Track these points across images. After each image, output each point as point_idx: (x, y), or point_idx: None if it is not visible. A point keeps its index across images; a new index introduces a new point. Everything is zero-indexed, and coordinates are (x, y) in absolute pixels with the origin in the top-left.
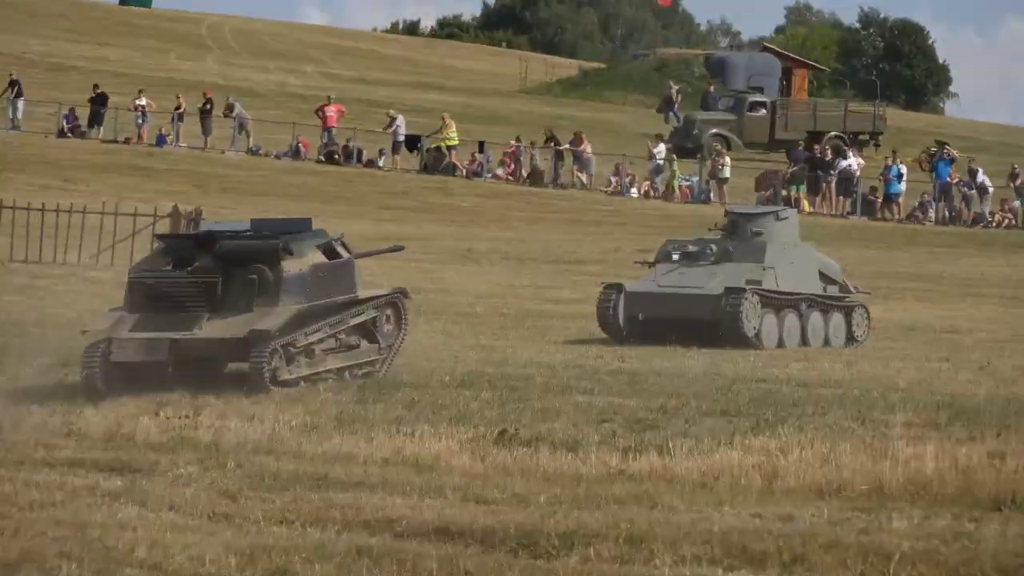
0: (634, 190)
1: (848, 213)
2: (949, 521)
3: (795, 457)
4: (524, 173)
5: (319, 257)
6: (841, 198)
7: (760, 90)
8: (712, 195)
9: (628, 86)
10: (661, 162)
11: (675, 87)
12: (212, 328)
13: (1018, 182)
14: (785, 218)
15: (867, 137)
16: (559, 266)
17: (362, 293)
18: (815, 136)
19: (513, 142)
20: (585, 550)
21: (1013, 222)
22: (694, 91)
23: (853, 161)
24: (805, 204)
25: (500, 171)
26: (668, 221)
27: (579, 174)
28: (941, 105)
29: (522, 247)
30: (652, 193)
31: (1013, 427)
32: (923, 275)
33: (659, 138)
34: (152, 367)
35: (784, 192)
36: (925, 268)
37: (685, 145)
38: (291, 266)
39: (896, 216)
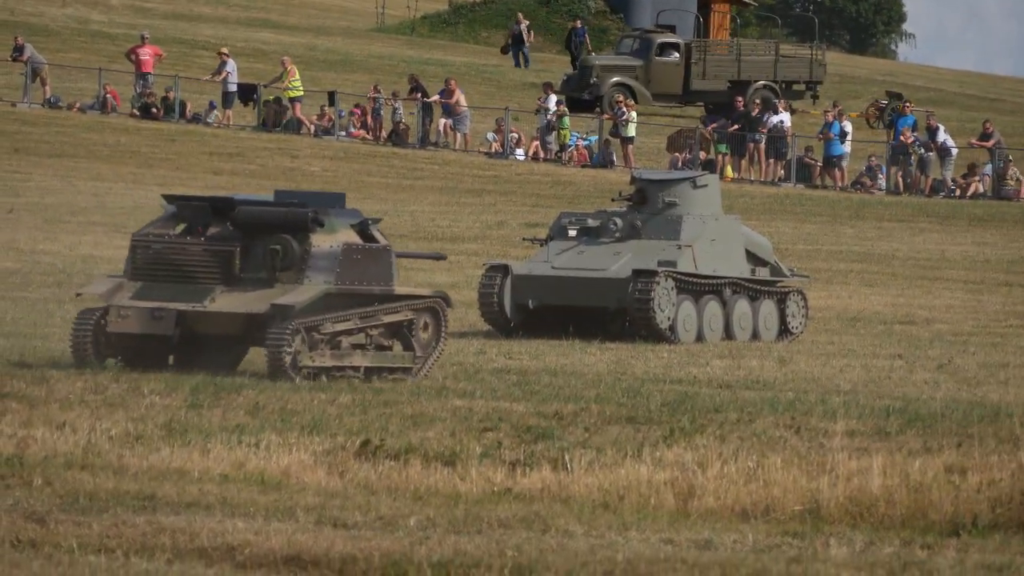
0: (520, 152)
1: (781, 180)
2: (897, 548)
3: (715, 472)
4: (384, 131)
5: (352, 236)
6: (772, 161)
7: (671, 29)
8: (615, 158)
9: (509, 24)
10: (553, 118)
11: (524, 22)
12: (227, 302)
13: (991, 142)
14: (704, 185)
15: (803, 87)
16: (431, 244)
17: (399, 289)
18: (739, 86)
19: (370, 92)
20: None
21: (981, 190)
22: (592, 31)
23: (785, 116)
24: (728, 169)
25: (355, 128)
26: (562, 189)
27: (452, 132)
28: (893, 48)
29: (385, 221)
30: (542, 155)
31: (976, 437)
32: (872, 255)
33: (550, 88)
34: (154, 341)
35: (703, 154)
36: (874, 246)
37: (580, 96)
38: (321, 240)
39: (839, 184)
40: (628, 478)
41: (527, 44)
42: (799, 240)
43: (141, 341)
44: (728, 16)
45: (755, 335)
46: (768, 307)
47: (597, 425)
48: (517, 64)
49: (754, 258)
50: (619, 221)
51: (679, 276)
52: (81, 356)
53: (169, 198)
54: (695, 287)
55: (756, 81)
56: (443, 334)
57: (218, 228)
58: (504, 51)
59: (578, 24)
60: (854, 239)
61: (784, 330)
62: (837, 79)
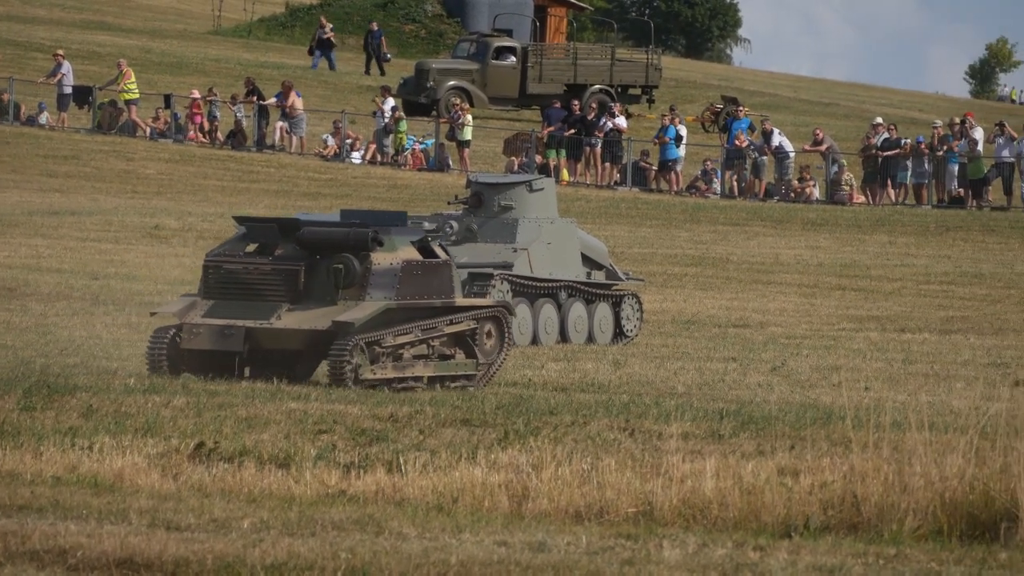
0: (357, 155)
1: (616, 183)
2: (730, 550)
3: (549, 475)
4: (220, 134)
5: (413, 253)
6: (608, 165)
7: (508, 33)
8: (451, 161)
9: (347, 27)
10: (390, 121)
11: (328, 25)
12: (292, 319)
13: (824, 147)
14: (540, 189)
15: (639, 91)
16: None
17: (460, 300)
18: (575, 89)
19: (197, 92)
20: None
21: (816, 195)
22: (429, 34)
23: (621, 120)
24: (564, 172)
25: (191, 131)
26: (399, 192)
27: (288, 135)
28: (728, 52)
29: (221, 224)
30: (379, 158)
31: (809, 439)
32: (706, 258)
33: (387, 91)
34: (224, 357)
35: (539, 158)
36: (709, 250)
37: (417, 100)
38: (381, 259)
39: (674, 187)
40: (462, 480)
41: (333, 48)
42: (634, 244)
43: (213, 356)
44: (564, 20)
45: (590, 338)
46: (603, 310)
47: (432, 428)
48: (332, 67)
49: (590, 261)
50: (455, 224)
51: (515, 279)
52: (156, 371)
53: (240, 219)
54: (531, 290)
55: (592, 85)
56: (506, 342)
57: (285, 248)
58: (310, 52)
59: (374, 27)
60: (689, 243)
61: (619, 333)
62: (673, 83)
